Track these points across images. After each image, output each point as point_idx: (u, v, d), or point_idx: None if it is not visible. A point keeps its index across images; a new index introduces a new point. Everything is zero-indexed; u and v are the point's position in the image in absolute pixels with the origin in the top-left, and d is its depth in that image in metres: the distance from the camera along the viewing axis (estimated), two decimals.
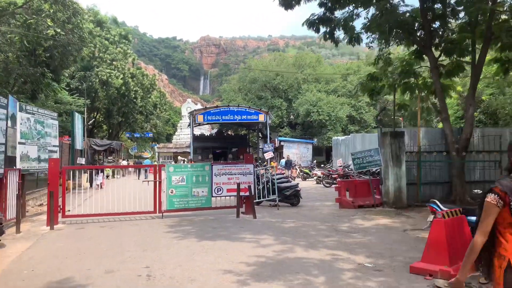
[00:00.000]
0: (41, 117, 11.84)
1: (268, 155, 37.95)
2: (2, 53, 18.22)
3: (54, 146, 12.66)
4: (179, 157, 50.82)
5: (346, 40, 14.63)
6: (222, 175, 11.32)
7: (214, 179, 11.25)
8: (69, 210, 11.53)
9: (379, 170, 14.27)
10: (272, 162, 23.33)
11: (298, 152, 40.07)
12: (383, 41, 13.58)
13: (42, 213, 11.87)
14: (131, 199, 11.10)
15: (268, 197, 13.03)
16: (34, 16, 16.68)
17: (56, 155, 12.66)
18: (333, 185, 20.97)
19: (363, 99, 42.82)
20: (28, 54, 18.75)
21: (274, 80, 44.15)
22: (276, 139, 40.61)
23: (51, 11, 17.16)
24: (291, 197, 13.50)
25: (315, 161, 39.63)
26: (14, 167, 10.26)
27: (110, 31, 37.06)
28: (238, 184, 10.90)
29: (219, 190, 11.26)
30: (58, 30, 16.94)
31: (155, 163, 48.01)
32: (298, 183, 13.75)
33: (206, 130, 77.84)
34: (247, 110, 39.64)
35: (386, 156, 12.34)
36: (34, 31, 17.35)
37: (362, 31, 13.48)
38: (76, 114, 26.03)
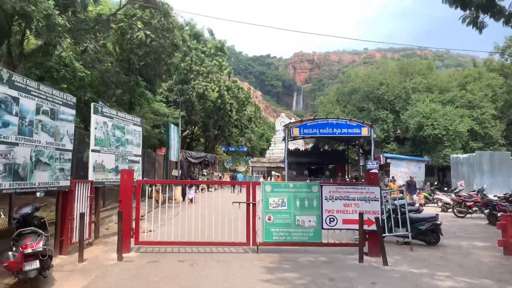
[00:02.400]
0: (121, 121, 10.22)
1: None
2: (100, 63, 17.82)
3: (135, 155, 10.98)
4: (273, 172, 48.74)
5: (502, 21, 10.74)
6: (336, 199, 8.33)
7: (325, 205, 8.31)
8: (150, 231, 9.62)
9: None
10: (391, 183, 19.25)
11: (407, 171, 34.94)
12: None
13: None
14: (219, 221, 8.66)
15: (394, 231, 9.67)
16: (125, 19, 15.81)
17: (137, 166, 10.96)
18: (468, 215, 16.60)
19: (487, 110, 36.25)
20: (122, 62, 18.10)
21: (377, 90, 39.68)
22: (381, 156, 36.10)
23: (142, 14, 16.17)
24: (427, 233, 9.90)
25: (428, 182, 34.23)
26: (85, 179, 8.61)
27: (207, 43, 36.82)
28: (361, 214, 7.81)
29: (332, 220, 8.27)
30: (148, 33, 15.80)
31: (248, 178, 46.63)
32: (437, 214, 10.14)
33: (300, 145, 75.37)
34: (348, 123, 35.94)
35: None
36: (126, 36, 16.55)
37: None
38: (172, 125, 25.37)
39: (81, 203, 8.14)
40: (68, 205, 7.70)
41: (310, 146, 71.32)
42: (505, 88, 38.87)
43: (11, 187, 6.00)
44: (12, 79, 6.07)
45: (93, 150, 8.94)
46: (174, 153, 26.17)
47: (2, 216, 6.30)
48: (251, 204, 8.29)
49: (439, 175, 38.38)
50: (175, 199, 20.40)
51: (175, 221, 8.86)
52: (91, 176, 8.81)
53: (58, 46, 14.71)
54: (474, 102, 36.47)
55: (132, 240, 8.11)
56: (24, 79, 6.37)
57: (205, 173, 37.85)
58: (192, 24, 37.10)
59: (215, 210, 8.80)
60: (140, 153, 11.22)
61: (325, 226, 8.29)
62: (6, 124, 5.87)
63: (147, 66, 18.71)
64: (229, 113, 39.14)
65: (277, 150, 75.33)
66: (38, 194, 6.47)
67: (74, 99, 7.98)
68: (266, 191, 8.26)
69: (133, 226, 8.21)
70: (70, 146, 7.73)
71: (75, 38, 16.28)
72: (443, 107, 35.25)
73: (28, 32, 14.89)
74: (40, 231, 5.67)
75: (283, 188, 8.33)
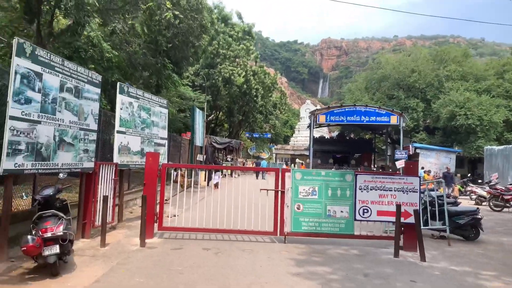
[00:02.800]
0: (147, 102, 9.93)
1: (400, 163, 32.61)
2: (128, 45, 17.62)
3: (161, 138, 10.71)
4: (297, 160, 48.22)
5: None
6: (371, 190, 7.79)
7: (359, 195, 7.80)
8: (174, 216, 9.38)
9: None
10: (425, 174, 18.34)
11: (437, 162, 33.74)
12: None
13: None
14: (245, 208, 8.26)
15: (430, 224, 9.07)
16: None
17: (163, 149, 10.70)
18: (505, 209, 15.69)
19: None
20: (150, 43, 17.83)
21: (409, 77, 38.13)
22: (410, 146, 34.88)
23: None
24: (466, 227, 9.25)
25: (458, 174, 32.92)
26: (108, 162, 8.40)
27: (234, 27, 36.19)
28: (399, 206, 7.26)
29: (365, 211, 7.76)
30: (177, 13, 15.39)
31: (271, 164, 46.24)
32: (478, 208, 9.45)
33: (325, 133, 74.24)
34: (376, 110, 34.79)
35: None
36: (154, 17, 16.20)
37: None
38: (197, 109, 25.12)
39: (105, 186, 7.93)
40: (91, 187, 7.50)
41: (335, 134, 70.17)
42: None
43: (33, 168, 5.79)
44: (36, 53, 5.80)
45: (118, 132, 8.70)
46: (199, 138, 25.98)
47: (25, 198, 6.12)
48: (279, 192, 7.86)
49: (469, 167, 36.82)
50: (200, 184, 20.28)
51: (200, 206, 8.56)
52: (116, 158, 8.59)
53: (86, 25, 14.57)
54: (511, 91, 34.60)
55: (156, 225, 7.87)
56: (48, 53, 6.10)
57: (229, 159, 37.71)
58: (221, 7, 36.49)
59: (240, 197, 8.41)
60: (166, 136, 10.95)
61: (358, 217, 7.79)
62: (28, 101, 5.62)
63: (175, 48, 18.40)
64: (255, 98, 38.64)
65: (301, 138, 74.47)
66: (60, 175, 6.25)
67: (99, 77, 7.71)
68: (296, 179, 7.81)
69: (157, 210, 7.96)
70: (94, 126, 7.49)
71: (103, 18, 16.12)
72: (478, 96, 33.54)
73: (57, 11, 14.83)
74: (61, 214, 5.44)
75: (314, 176, 7.85)
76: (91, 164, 7.39)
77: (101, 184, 7.78)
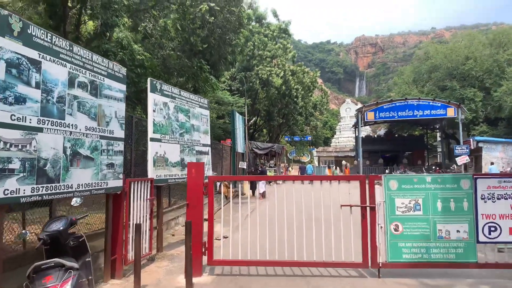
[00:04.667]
0: (185, 103, 8.18)
1: (462, 159, 29.33)
2: (162, 49, 16.19)
3: (204, 145, 8.92)
4: (343, 162, 45.46)
5: None
6: (500, 199, 5.56)
7: (481, 207, 5.58)
8: (225, 237, 7.54)
9: None
10: None
11: (504, 156, 30.16)
12: None
13: None
14: (310, 225, 6.14)
15: None
16: None
17: (206, 158, 8.92)
18: None
19: None
20: (184, 45, 16.30)
21: (463, 65, 34.65)
22: (470, 140, 31.45)
23: None
24: None
25: None
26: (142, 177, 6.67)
27: (270, 26, 34.38)
28: None
29: (492, 229, 5.53)
30: (212, 5, 13.73)
31: (315, 169, 43.77)
32: None
33: (369, 132, 70.81)
34: (430, 103, 31.70)
35: None
36: (188, 16, 14.64)
37: None
38: (237, 114, 23.47)
39: (138, 208, 6.20)
40: (121, 212, 5.78)
41: (381, 132, 66.51)
42: None
43: (34, 193, 4.10)
44: (29, 32, 4.14)
45: (152, 139, 6.96)
46: (241, 144, 24.28)
47: (27, 235, 4.40)
48: (368, 208, 5.78)
49: None
50: (243, 194, 18.53)
51: (252, 222, 6.67)
52: (151, 172, 6.85)
53: (115, 27, 13.24)
54: None
55: (204, 257, 6.01)
56: (48, 33, 4.42)
57: (271, 165, 35.81)
58: (255, 7, 34.87)
59: (296, 209, 6.34)
60: (208, 142, 9.16)
61: (481, 238, 5.56)
62: (20, 100, 3.95)
63: (211, 48, 16.78)
64: (295, 99, 36.55)
65: (343, 139, 71.44)
66: (74, 201, 4.56)
67: (123, 70, 6.02)
68: (390, 189, 5.70)
69: (205, 238, 6.12)
70: (120, 133, 5.79)
71: (133, 18, 14.76)
72: None
73: (83, 14, 13.61)
74: (69, 262, 3.67)
75: (416, 184, 5.71)
76: (118, 183, 5.67)
77: (133, 207, 6.05)
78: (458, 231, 5.59)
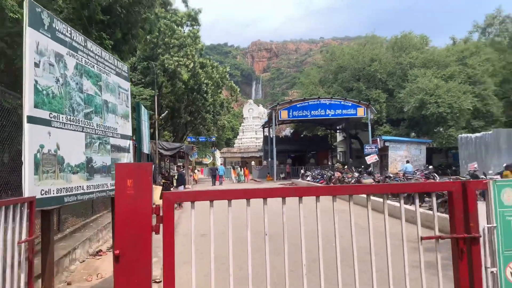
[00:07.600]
0: (93, 62, 4.77)
1: (371, 158, 29.68)
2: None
3: (123, 137, 5.57)
4: (252, 163, 43.82)
5: None
6: None
7: None
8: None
9: None
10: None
11: (407, 154, 31.46)
12: None
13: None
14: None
15: None
16: None
17: (127, 158, 5.59)
18: None
19: (489, 86, 33.39)
20: (80, 7, 12.23)
21: (369, 66, 35.61)
22: (378, 139, 32.25)
23: None
24: None
25: (430, 166, 30.90)
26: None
27: (177, 13, 30.81)
28: None
29: None
30: None
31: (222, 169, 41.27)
32: None
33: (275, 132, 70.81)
34: (342, 103, 31.71)
35: None
36: None
37: None
38: (142, 107, 19.61)
39: None
40: None
41: (286, 132, 67.12)
42: (502, 63, 36.43)
43: None
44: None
45: (31, 119, 3.48)
46: (147, 144, 20.45)
47: None
48: (464, 242, 3.26)
49: (434, 158, 35.11)
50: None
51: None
52: (30, 186, 3.38)
53: None
54: (474, 77, 33.50)
55: None
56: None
57: (180, 168, 32.23)
58: None
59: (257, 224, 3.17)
60: (130, 133, 5.80)
61: None
62: None
63: (115, 18, 12.99)
64: (204, 95, 33.53)
65: (246, 140, 70.31)
66: None
67: None
68: (504, 205, 3.30)
69: None
70: None
71: None
72: (445, 83, 31.86)
73: None
74: None
75: None
76: None
77: None
78: None
